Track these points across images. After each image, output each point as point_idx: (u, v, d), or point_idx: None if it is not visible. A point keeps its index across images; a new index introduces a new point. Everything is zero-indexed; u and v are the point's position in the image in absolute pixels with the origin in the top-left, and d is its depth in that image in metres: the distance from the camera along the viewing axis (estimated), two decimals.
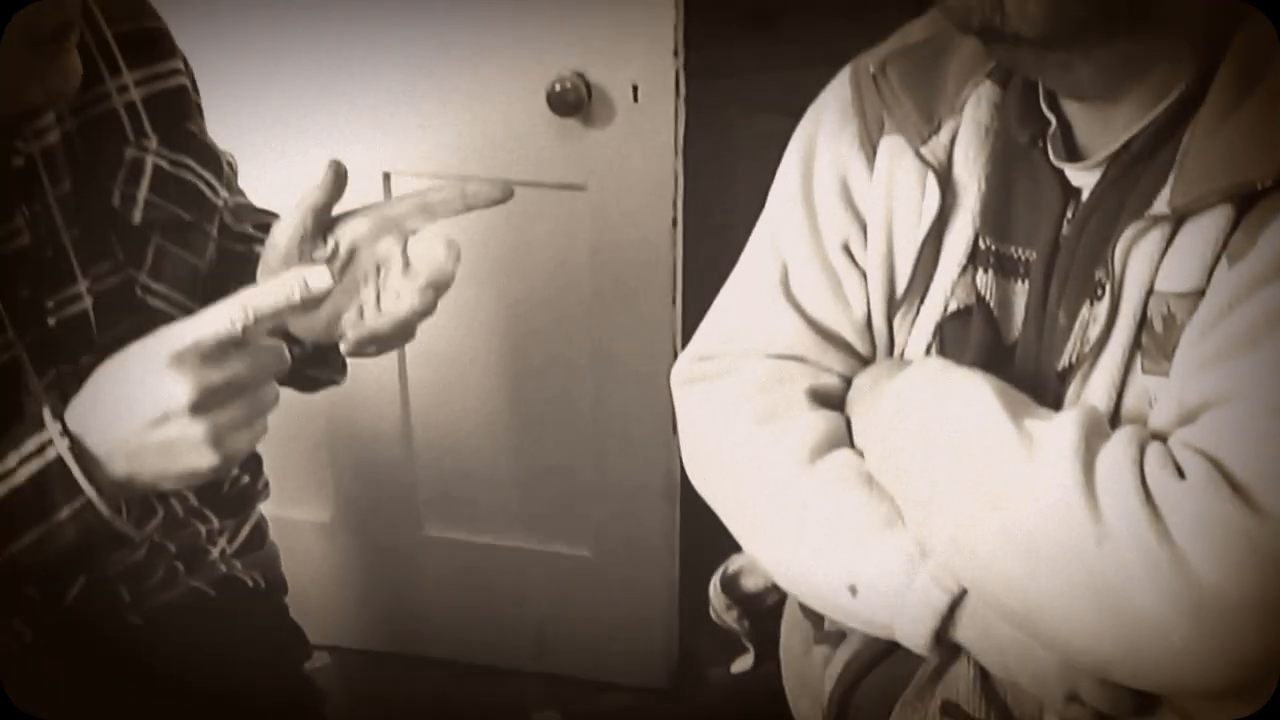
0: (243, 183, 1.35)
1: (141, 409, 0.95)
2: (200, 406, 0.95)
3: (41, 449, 0.97)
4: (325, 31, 1.87)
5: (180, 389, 0.94)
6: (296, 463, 2.15)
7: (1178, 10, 0.98)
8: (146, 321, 1.15)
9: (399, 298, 1.14)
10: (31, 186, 1.11)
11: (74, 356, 1.14)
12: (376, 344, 1.15)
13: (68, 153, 1.13)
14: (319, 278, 0.97)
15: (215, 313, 0.96)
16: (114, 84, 1.16)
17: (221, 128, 1.30)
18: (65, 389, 1.11)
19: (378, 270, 1.15)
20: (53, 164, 1.12)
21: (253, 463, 1.39)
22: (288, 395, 1.37)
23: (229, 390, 0.96)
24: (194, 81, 1.26)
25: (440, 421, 2.12)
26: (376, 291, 1.16)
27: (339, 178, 1.13)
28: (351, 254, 1.15)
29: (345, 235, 1.15)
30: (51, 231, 1.12)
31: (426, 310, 1.13)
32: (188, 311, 1.19)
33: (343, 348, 1.17)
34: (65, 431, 0.97)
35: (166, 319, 1.17)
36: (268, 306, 0.96)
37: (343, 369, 1.30)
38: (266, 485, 1.41)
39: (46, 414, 0.98)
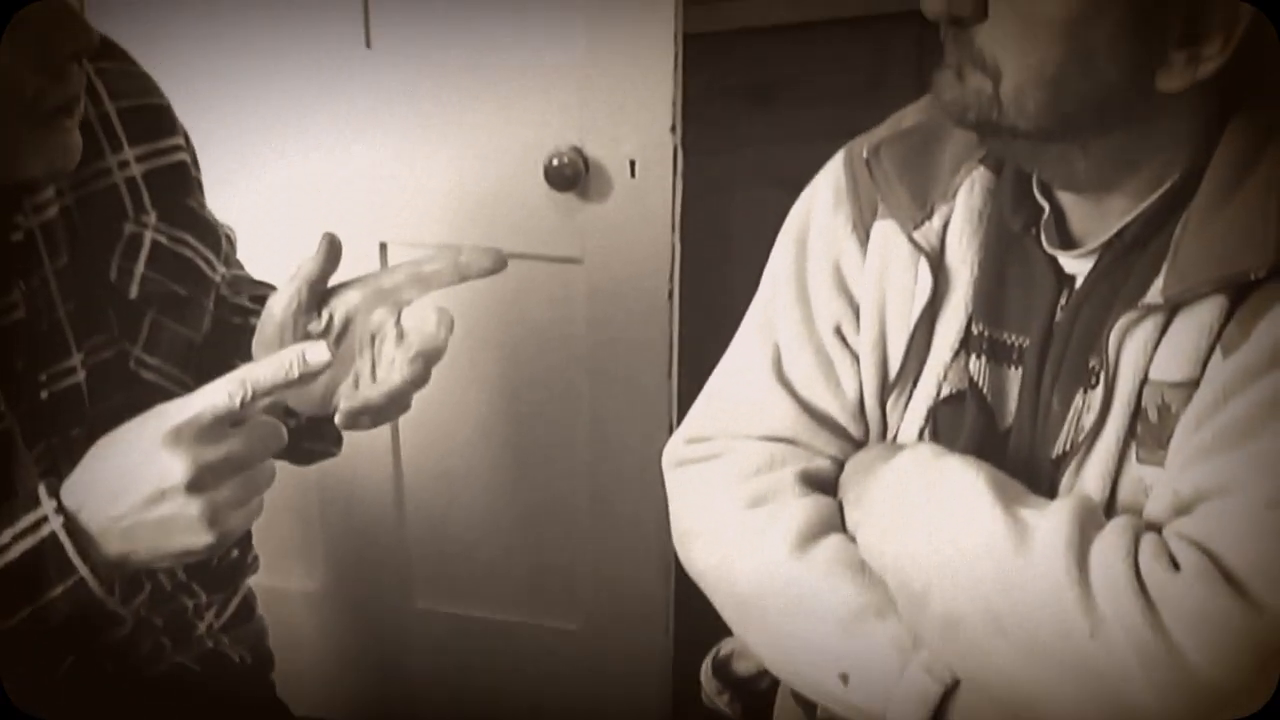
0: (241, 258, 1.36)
1: (137, 486, 0.95)
2: (197, 484, 0.95)
3: (36, 526, 0.97)
4: (323, 99, 1.88)
5: (177, 466, 0.94)
6: (286, 532, 2.14)
7: (1172, 104, 0.99)
8: (139, 395, 1.16)
9: (393, 368, 1.13)
10: (30, 260, 1.11)
11: (65, 429, 1.13)
12: (370, 415, 1.14)
13: (67, 227, 1.13)
14: (317, 353, 0.97)
15: (213, 389, 0.96)
16: (115, 159, 1.17)
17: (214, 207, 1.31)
18: (56, 461, 1.11)
19: (372, 341, 1.15)
20: (51, 238, 1.12)
21: (243, 536, 1.37)
22: (280, 465, 1.37)
23: (226, 468, 0.96)
24: (195, 158, 1.26)
25: (433, 493, 2.11)
26: (371, 362, 1.15)
27: (334, 249, 1.13)
28: (346, 325, 1.15)
29: (340, 307, 1.15)
30: (48, 305, 1.12)
31: (419, 380, 1.13)
32: (181, 385, 1.20)
33: (337, 420, 1.17)
34: (60, 509, 0.97)
35: (160, 392, 1.17)
36: (266, 382, 0.96)
37: (338, 441, 1.29)
38: (256, 559, 1.40)
39: (42, 490, 0.97)
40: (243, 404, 0.95)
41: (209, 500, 0.95)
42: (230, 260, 1.31)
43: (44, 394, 1.12)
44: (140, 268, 1.17)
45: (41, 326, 1.11)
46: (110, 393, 1.16)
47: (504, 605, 2.15)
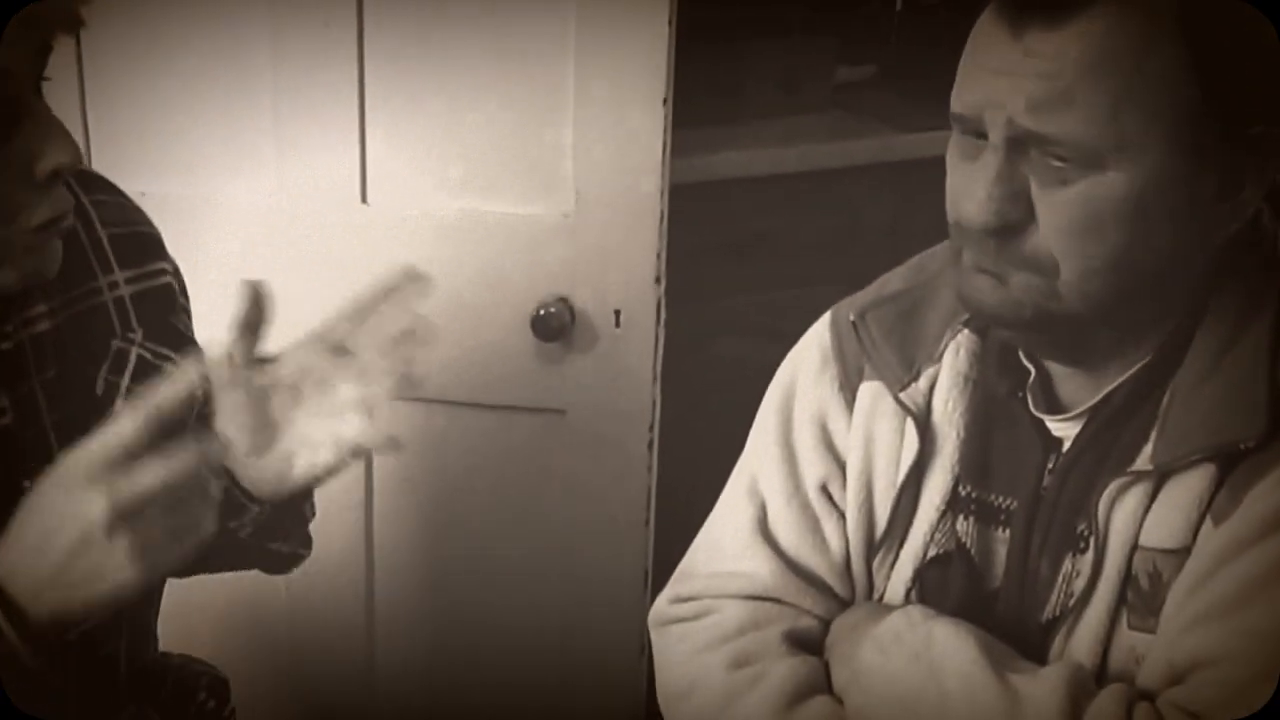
0: None
1: (59, 536, 0.93)
2: (117, 521, 0.92)
3: None
4: (319, 251, 1.90)
5: (94, 507, 0.91)
6: (255, 673, 2.10)
7: (1200, 265, 1.00)
8: None
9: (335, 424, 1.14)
10: (18, 370, 1.12)
11: None
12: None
13: (56, 342, 1.15)
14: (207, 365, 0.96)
15: (114, 421, 0.93)
16: (105, 280, 1.19)
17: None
18: None
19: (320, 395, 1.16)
20: (41, 351, 1.13)
21: (220, 688, 1.36)
22: (249, 599, 1.35)
23: (148, 501, 0.93)
24: (183, 286, 1.28)
25: (405, 637, 2.07)
26: (326, 420, 1.15)
27: (253, 292, 1.13)
28: (296, 382, 1.14)
29: (287, 364, 1.15)
30: (34, 414, 1.13)
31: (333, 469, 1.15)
32: None
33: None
34: None
35: None
36: (169, 398, 0.94)
37: (307, 542, 1.29)
38: (233, 713, 1.38)
39: None
40: (149, 427, 0.92)
41: (132, 536, 0.92)
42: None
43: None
44: (125, 381, 1.18)
45: (27, 433, 1.12)
46: None
47: None
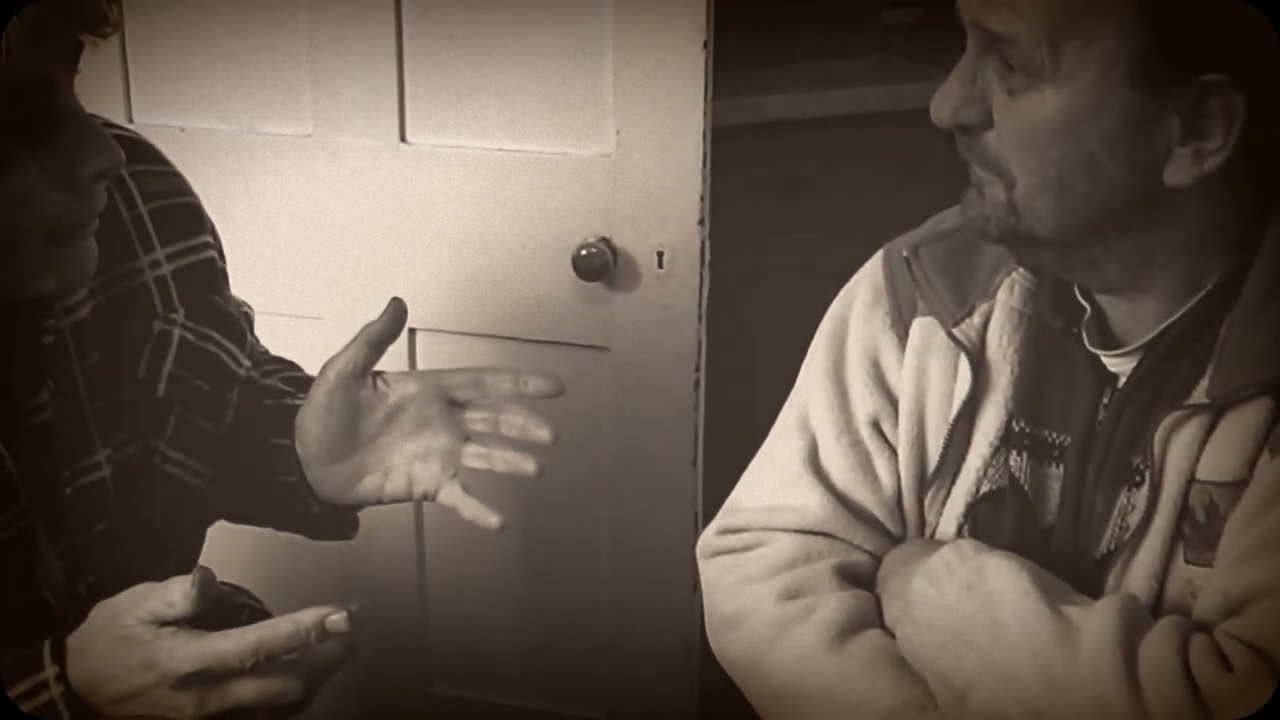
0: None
1: (137, 701, 0.97)
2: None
3: (38, 689, 0.98)
4: (358, 190, 1.90)
5: (183, 705, 0.96)
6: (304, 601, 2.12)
7: (1193, 201, 0.99)
8: (163, 489, 1.17)
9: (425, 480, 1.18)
10: (60, 361, 1.11)
11: (88, 526, 1.13)
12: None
13: (96, 326, 1.13)
14: (338, 623, 0.97)
15: (230, 642, 0.95)
16: (146, 259, 1.17)
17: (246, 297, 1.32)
18: (77, 558, 1.11)
19: (415, 431, 1.18)
20: (81, 337, 1.12)
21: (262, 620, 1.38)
22: (303, 543, 1.37)
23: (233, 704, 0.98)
24: (221, 250, 1.26)
25: (455, 577, 2.09)
26: (408, 470, 1.18)
27: (399, 314, 1.16)
28: (397, 411, 1.17)
29: (396, 389, 1.17)
30: (75, 404, 1.12)
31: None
32: (203, 478, 1.20)
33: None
34: (61, 676, 0.97)
35: (182, 486, 1.18)
36: (281, 646, 0.96)
37: (354, 526, 1.31)
38: None
39: (46, 653, 0.98)
40: (253, 659, 0.95)
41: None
42: (252, 345, 1.32)
43: (67, 490, 1.11)
44: (168, 366, 1.17)
45: (68, 425, 1.11)
46: (134, 488, 1.16)
47: (525, 693, 2.12)
